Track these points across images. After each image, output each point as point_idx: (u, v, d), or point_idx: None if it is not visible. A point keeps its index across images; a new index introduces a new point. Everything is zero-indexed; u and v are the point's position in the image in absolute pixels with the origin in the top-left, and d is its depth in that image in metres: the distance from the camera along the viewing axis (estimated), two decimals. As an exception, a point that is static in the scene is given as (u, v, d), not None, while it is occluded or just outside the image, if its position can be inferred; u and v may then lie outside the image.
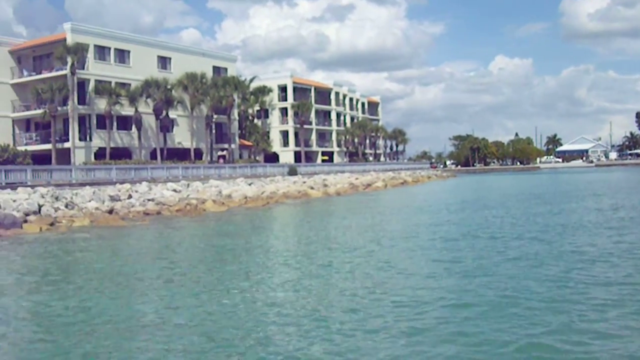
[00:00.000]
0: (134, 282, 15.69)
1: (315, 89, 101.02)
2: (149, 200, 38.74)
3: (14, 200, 31.75)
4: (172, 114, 65.90)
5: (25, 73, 63.04)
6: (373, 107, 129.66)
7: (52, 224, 30.04)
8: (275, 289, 14.38)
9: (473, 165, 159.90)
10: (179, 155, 65.68)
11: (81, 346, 10.01)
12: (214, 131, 71.44)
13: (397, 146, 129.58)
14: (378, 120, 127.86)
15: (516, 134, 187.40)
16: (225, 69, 76.13)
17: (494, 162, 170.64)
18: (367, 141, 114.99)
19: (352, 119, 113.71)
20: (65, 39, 58.33)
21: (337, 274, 16.06)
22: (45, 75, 60.32)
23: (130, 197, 38.81)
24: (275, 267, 17.68)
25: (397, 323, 10.82)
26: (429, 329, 10.37)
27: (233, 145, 75.23)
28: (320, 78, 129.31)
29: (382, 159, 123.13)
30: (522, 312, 11.33)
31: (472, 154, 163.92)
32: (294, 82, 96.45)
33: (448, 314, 11.40)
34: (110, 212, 34.18)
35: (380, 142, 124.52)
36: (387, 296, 13.01)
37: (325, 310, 12.04)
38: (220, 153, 73.05)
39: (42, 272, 18.10)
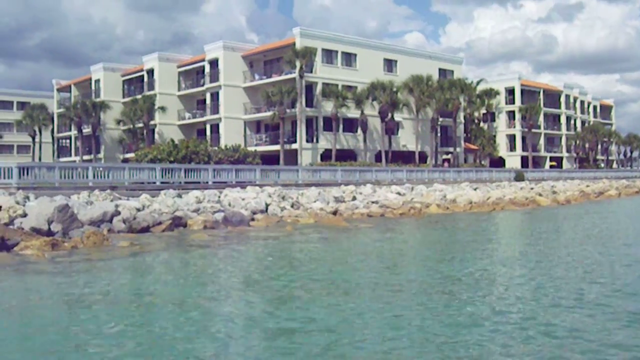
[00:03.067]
0: (360, 283, 14.61)
1: (543, 91, 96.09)
2: (372, 202, 38.03)
3: (243, 199, 32.35)
4: (397, 117, 65.50)
5: (256, 77, 65.67)
6: (605, 110, 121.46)
7: (277, 223, 30.22)
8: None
9: None
10: (403, 158, 65.13)
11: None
12: (439, 134, 70.02)
13: (631, 152, 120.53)
14: (611, 124, 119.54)
15: None
16: (451, 72, 74.44)
17: None
18: (599, 147, 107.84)
19: (582, 123, 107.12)
20: (294, 44, 59.82)
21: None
22: (275, 78, 62.34)
23: (354, 198, 38.32)
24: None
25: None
26: None
27: (458, 149, 73.37)
28: (546, 80, 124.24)
29: (614, 165, 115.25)
30: None
31: None
32: (521, 85, 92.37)
33: None
34: (334, 213, 33.76)
35: (613, 147, 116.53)
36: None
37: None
38: (444, 157, 71.69)
39: (273, 264, 17.87)
